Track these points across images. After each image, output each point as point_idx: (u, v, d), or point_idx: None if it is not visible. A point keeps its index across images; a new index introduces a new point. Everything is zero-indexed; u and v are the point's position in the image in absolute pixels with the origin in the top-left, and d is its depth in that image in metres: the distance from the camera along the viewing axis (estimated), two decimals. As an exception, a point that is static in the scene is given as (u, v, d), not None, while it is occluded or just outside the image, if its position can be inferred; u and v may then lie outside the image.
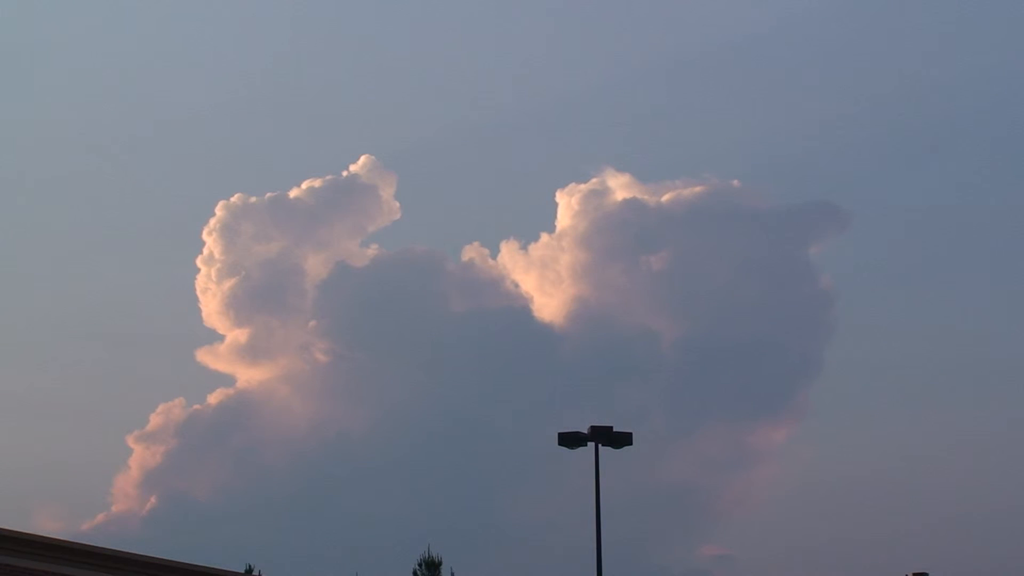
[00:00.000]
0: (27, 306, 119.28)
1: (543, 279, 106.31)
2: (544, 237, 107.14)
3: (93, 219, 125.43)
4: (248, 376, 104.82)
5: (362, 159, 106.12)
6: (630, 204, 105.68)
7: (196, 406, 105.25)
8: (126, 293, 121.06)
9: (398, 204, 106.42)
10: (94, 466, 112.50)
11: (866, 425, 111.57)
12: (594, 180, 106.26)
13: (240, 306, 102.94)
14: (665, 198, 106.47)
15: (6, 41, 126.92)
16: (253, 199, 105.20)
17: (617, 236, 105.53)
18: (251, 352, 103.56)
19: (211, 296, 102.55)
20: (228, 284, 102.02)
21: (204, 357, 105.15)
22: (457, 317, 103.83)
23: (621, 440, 44.78)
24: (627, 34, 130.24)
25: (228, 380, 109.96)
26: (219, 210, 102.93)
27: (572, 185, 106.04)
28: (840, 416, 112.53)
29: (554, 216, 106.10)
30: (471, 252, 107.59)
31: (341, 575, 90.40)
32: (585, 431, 44.87)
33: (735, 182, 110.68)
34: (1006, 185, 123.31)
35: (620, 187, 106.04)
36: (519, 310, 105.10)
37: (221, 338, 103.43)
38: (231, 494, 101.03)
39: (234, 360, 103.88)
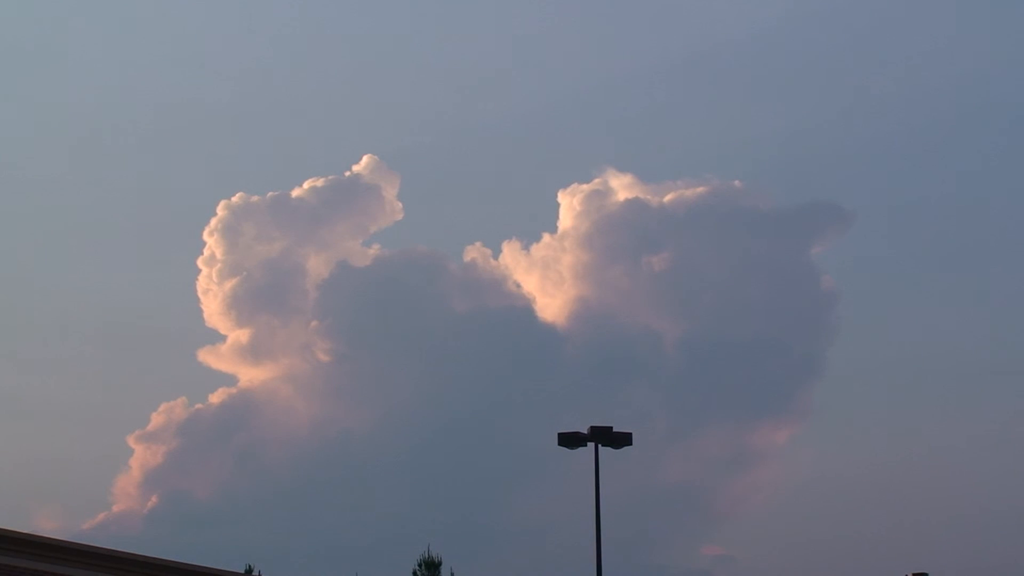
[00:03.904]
0: (27, 306, 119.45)
1: (545, 279, 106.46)
2: (546, 237, 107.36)
3: (93, 219, 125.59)
4: (250, 376, 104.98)
5: (364, 159, 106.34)
6: (632, 204, 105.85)
7: (198, 405, 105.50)
8: (127, 293, 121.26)
9: (400, 204, 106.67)
10: (95, 466, 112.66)
11: (868, 425, 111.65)
12: (596, 180, 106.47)
13: (242, 306, 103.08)
14: (667, 198, 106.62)
15: (6, 39, 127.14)
16: (255, 198, 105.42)
17: (619, 236, 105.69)
18: (253, 352, 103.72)
19: (212, 297, 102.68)
20: (230, 284, 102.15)
21: (206, 357, 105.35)
22: (459, 317, 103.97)
23: (621, 440, 44.80)
24: (629, 34, 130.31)
25: (230, 380, 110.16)
26: (221, 209, 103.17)
27: (574, 185, 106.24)
28: (842, 416, 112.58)
29: (556, 216, 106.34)
30: (473, 252, 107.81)
31: (341, 575, 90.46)
32: (585, 431, 44.91)
33: (737, 182, 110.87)
34: (1007, 185, 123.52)
35: (622, 187, 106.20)
36: (521, 310, 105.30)
37: (223, 338, 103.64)
38: (232, 494, 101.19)
39: (236, 360, 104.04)
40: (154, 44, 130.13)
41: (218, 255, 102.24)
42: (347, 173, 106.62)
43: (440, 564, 60.82)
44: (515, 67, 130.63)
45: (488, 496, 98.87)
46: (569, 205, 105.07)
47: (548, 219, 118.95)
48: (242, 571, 60.29)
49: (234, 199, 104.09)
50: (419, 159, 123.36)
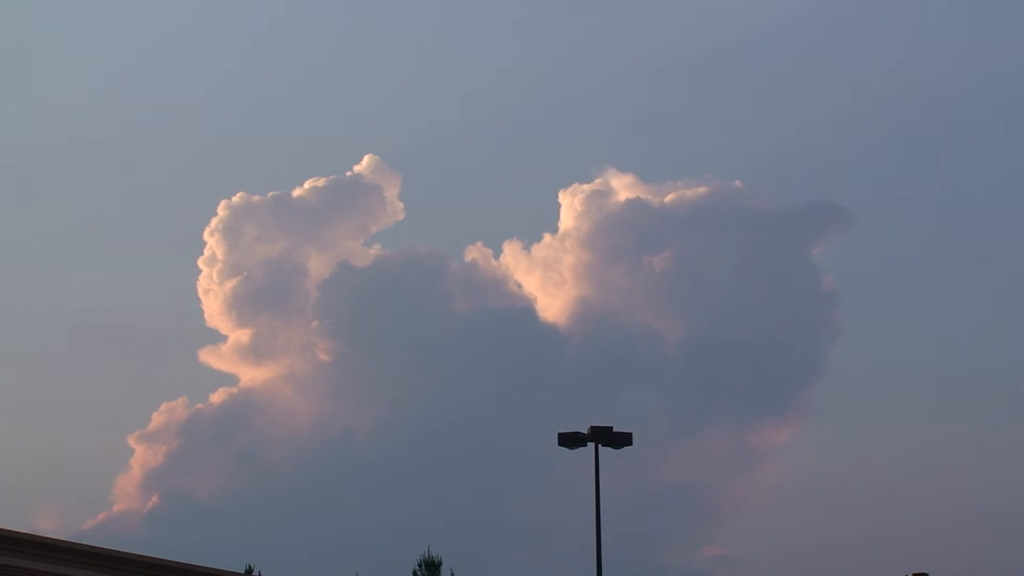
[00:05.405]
0: (27, 306, 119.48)
1: (546, 279, 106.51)
2: (547, 237, 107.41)
3: (94, 219, 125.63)
4: (251, 376, 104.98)
5: (366, 159, 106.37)
6: (633, 204, 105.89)
7: (199, 405, 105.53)
8: (128, 293, 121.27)
9: (401, 204, 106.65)
10: (95, 466, 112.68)
11: (869, 425, 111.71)
12: (597, 180, 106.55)
13: (243, 306, 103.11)
14: (668, 198, 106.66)
15: (7, 38, 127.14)
16: (256, 198, 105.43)
17: (620, 236, 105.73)
18: (254, 352, 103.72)
19: (213, 297, 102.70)
20: (230, 284, 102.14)
21: (207, 357, 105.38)
22: (460, 317, 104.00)
23: (621, 440, 44.78)
24: (630, 34, 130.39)
25: (231, 380, 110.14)
26: (221, 209, 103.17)
27: (575, 185, 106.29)
28: (843, 416, 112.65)
29: (557, 216, 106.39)
30: (474, 252, 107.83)
31: (341, 575, 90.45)
32: (585, 431, 44.88)
33: (738, 182, 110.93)
34: (1006, 185, 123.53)
35: (623, 187, 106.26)
36: (522, 310, 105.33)
37: (224, 338, 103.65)
38: (232, 494, 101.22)
39: (237, 360, 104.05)
40: (153, 44, 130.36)
41: (219, 255, 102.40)
42: (348, 173, 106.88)
43: (440, 564, 60.77)
44: (516, 68, 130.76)
45: (488, 496, 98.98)
46: (570, 205, 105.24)
47: (549, 219, 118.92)
48: (242, 571, 60.28)
49: (235, 199, 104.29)
50: (420, 159, 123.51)
